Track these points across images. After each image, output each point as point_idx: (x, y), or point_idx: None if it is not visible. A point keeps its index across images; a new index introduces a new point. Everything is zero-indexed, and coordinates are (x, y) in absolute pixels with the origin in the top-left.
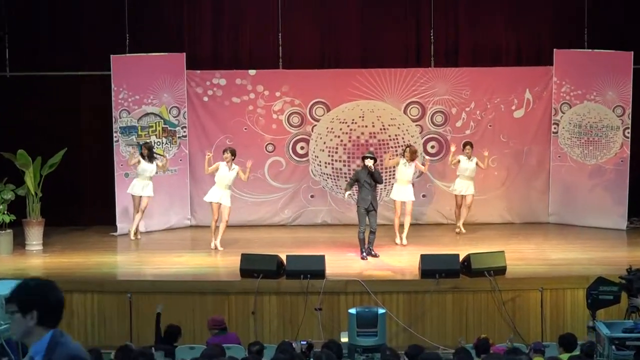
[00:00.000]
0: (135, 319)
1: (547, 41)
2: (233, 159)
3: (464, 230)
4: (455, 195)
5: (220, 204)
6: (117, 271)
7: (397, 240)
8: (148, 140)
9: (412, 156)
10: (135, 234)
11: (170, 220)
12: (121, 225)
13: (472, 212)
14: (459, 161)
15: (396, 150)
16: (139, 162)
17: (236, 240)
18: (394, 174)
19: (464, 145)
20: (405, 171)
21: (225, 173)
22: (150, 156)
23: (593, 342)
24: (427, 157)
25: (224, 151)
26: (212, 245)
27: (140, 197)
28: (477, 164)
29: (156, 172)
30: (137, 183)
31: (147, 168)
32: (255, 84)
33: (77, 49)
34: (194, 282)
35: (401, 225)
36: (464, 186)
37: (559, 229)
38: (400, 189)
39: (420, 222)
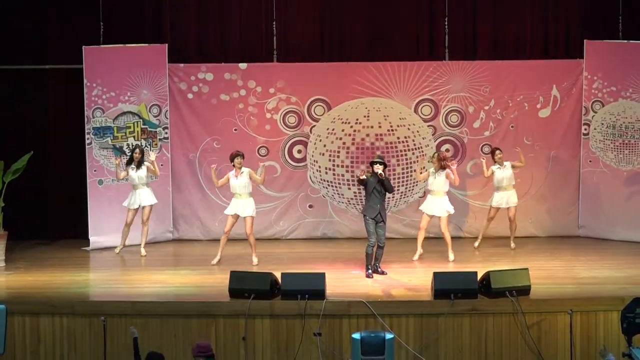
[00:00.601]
0: (110, 345)
1: (577, 31)
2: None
3: (513, 245)
4: (490, 208)
5: (239, 216)
6: (89, 291)
7: (415, 257)
8: (138, 143)
9: (440, 164)
10: (132, 247)
11: (149, 233)
12: (94, 238)
13: (493, 224)
14: (492, 172)
15: (418, 155)
16: (127, 173)
17: (224, 255)
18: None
19: (492, 152)
20: (435, 182)
21: (234, 182)
22: (140, 161)
23: None
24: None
25: (235, 157)
26: (215, 261)
27: (136, 210)
28: (513, 167)
29: (152, 178)
30: (133, 194)
31: (138, 175)
32: (246, 79)
33: (44, 39)
34: (177, 303)
35: (425, 239)
36: (504, 198)
37: (590, 243)
38: (434, 201)
39: (434, 235)
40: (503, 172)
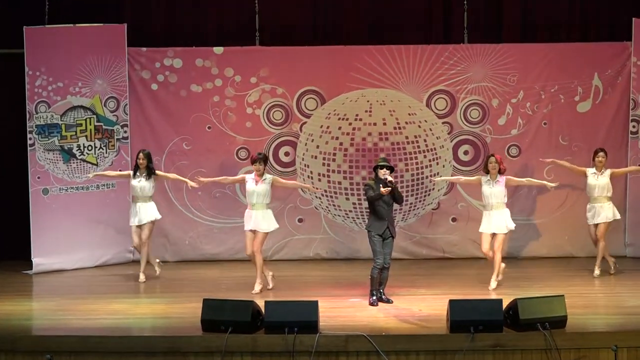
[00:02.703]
0: None
1: (623, 8)
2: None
3: (597, 272)
4: (589, 226)
5: (256, 230)
6: (32, 323)
7: (492, 286)
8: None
9: (498, 168)
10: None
11: (105, 254)
12: (38, 260)
13: (520, 242)
14: (585, 175)
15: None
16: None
17: (196, 280)
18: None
19: (595, 153)
20: (492, 192)
21: (252, 187)
22: (149, 168)
23: None
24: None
25: (255, 161)
26: (257, 289)
27: (140, 226)
28: (610, 177)
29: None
30: (134, 208)
31: (141, 186)
32: (222, 66)
33: None
34: (139, 338)
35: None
36: (594, 212)
37: (639, 264)
38: (492, 216)
39: (450, 255)
40: (597, 180)
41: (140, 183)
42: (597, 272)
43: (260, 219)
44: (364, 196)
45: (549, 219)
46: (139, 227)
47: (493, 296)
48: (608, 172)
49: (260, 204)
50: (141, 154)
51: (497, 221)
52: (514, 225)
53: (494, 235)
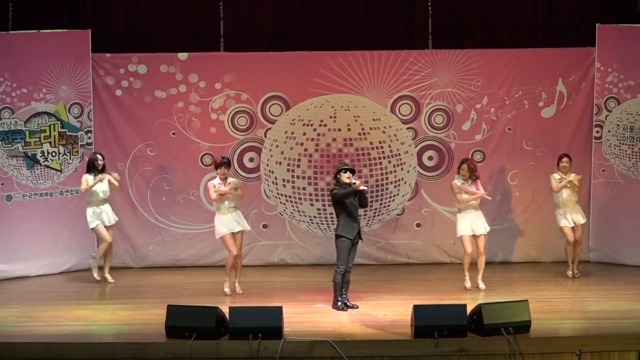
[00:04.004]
0: None
1: (587, 13)
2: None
3: (577, 273)
4: (563, 229)
5: (237, 233)
6: None
7: (467, 284)
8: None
9: (472, 174)
10: (101, 272)
11: (69, 260)
12: (2, 266)
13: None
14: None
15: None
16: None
17: (160, 286)
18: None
19: (560, 158)
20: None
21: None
22: (102, 171)
23: None
24: (575, 176)
25: (220, 166)
26: (228, 291)
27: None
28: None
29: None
30: (92, 212)
31: (103, 189)
32: (187, 72)
33: None
34: (103, 344)
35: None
36: (572, 214)
37: (602, 269)
38: (469, 218)
39: (414, 260)
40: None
41: (103, 185)
42: (577, 273)
43: (240, 220)
44: (328, 202)
45: (513, 223)
46: (106, 227)
47: (481, 299)
48: (573, 175)
49: (234, 206)
50: (100, 156)
51: (476, 223)
52: (488, 227)
53: (474, 236)
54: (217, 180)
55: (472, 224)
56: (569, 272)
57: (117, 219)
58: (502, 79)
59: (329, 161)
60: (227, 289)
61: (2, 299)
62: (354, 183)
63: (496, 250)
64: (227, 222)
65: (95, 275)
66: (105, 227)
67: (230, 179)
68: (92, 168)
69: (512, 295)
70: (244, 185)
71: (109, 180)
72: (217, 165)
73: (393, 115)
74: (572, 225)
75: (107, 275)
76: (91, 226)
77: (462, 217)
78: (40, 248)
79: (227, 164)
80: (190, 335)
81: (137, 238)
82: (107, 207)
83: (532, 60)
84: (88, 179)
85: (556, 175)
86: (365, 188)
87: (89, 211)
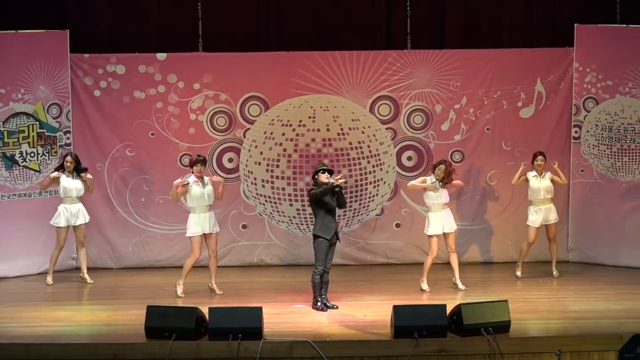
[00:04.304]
0: None
1: (565, 13)
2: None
3: (556, 274)
4: (529, 228)
5: (212, 233)
6: None
7: (424, 286)
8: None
9: (447, 177)
10: (83, 275)
11: (48, 261)
12: None
13: (461, 247)
14: (526, 180)
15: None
16: (57, 180)
17: (140, 287)
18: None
19: (534, 156)
20: (440, 194)
21: (200, 191)
22: (77, 170)
23: None
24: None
25: (195, 163)
26: (181, 293)
27: (69, 227)
28: (552, 180)
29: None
30: (64, 210)
31: (76, 186)
32: (165, 72)
33: None
34: (82, 345)
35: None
36: (542, 214)
37: (581, 269)
38: (438, 217)
39: (394, 261)
40: (540, 182)
41: (75, 184)
42: (556, 272)
43: (214, 221)
44: (307, 202)
45: (493, 223)
46: (67, 229)
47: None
48: (548, 175)
49: (209, 205)
50: (69, 157)
51: (445, 221)
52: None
53: (444, 235)
54: (192, 179)
55: (442, 222)
56: (518, 272)
57: (88, 218)
58: (480, 79)
59: (308, 161)
60: (179, 291)
61: None
62: (336, 186)
63: (475, 251)
64: (201, 222)
65: (49, 279)
66: (77, 226)
67: (206, 178)
68: (60, 167)
69: (491, 295)
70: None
71: (83, 179)
72: (193, 163)
73: (372, 116)
74: (540, 225)
75: (86, 276)
76: (52, 222)
77: (434, 215)
78: (19, 248)
79: (202, 161)
80: (170, 336)
81: (116, 239)
82: (79, 206)
83: (510, 60)
84: (61, 177)
85: (531, 173)
86: (344, 181)
87: (60, 208)
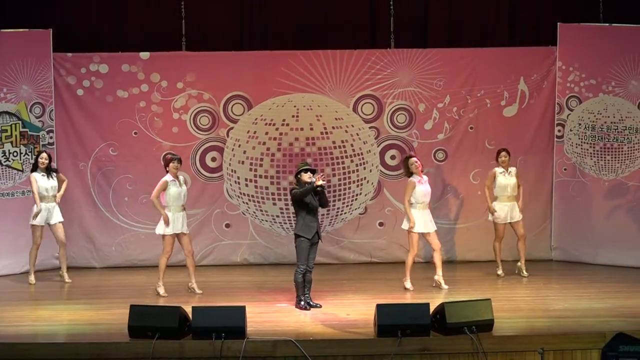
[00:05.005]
0: None
1: (548, 12)
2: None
3: (525, 273)
4: (496, 225)
5: (183, 234)
6: None
7: (408, 285)
8: (43, 148)
9: (416, 168)
10: (62, 275)
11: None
12: None
13: (445, 246)
14: (493, 176)
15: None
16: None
17: (123, 286)
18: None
19: (498, 153)
20: (420, 190)
21: (177, 190)
22: (49, 169)
23: None
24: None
25: (170, 161)
26: (163, 292)
27: (43, 227)
28: (517, 176)
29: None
30: (40, 209)
31: (51, 185)
32: (149, 71)
33: None
34: (66, 345)
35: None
36: (508, 210)
37: (565, 268)
38: (418, 215)
39: (377, 259)
40: (508, 179)
41: (50, 182)
42: (525, 272)
43: (184, 221)
44: (291, 202)
45: (476, 222)
46: (41, 228)
47: (443, 298)
48: (514, 170)
49: (183, 205)
50: (44, 155)
51: (427, 220)
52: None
53: (425, 235)
54: (169, 177)
55: (424, 220)
56: (499, 271)
57: (62, 219)
58: (464, 78)
59: (292, 160)
60: (161, 291)
61: None
62: (317, 185)
63: (459, 249)
64: (174, 221)
65: (31, 278)
66: (54, 225)
67: (181, 178)
68: (35, 167)
69: (474, 294)
70: (207, 185)
71: (58, 179)
72: (168, 162)
73: (355, 115)
74: (508, 221)
75: (65, 275)
76: (31, 222)
77: (416, 213)
78: (1, 248)
79: (179, 159)
80: (153, 335)
81: (99, 238)
82: (54, 205)
83: (494, 59)
84: (36, 177)
85: (499, 169)
86: (324, 182)
87: (34, 207)
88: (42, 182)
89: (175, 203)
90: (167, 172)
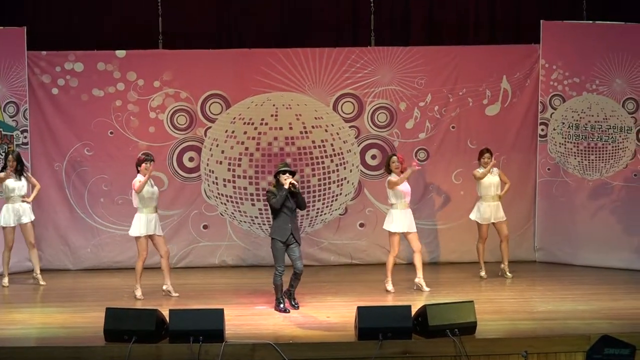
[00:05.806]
0: None
1: (531, 10)
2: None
3: (509, 275)
4: (479, 225)
5: (157, 235)
6: None
7: (389, 287)
8: (14, 149)
9: (399, 166)
10: (36, 277)
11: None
12: None
13: (428, 247)
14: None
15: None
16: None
17: (98, 289)
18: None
19: (481, 153)
20: (400, 189)
21: (150, 190)
22: (19, 169)
23: None
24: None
25: (143, 162)
26: (140, 295)
27: (14, 228)
28: (500, 176)
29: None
30: (8, 209)
31: (19, 185)
32: (125, 70)
33: None
34: (40, 348)
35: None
36: (492, 210)
37: (548, 269)
38: (400, 215)
39: (358, 261)
40: (492, 178)
41: (18, 183)
42: (509, 273)
43: (157, 223)
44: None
45: (458, 223)
46: (14, 228)
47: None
48: (497, 171)
49: (155, 207)
50: (11, 157)
51: (409, 220)
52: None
53: (406, 235)
54: (141, 178)
55: (406, 221)
56: (482, 273)
57: (33, 217)
58: (445, 77)
59: (271, 160)
60: (138, 293)
61: None
62: (291, 183)
63: (441, 250)
64: (147, 223)
65: (5, 281)
66: (24, 225)
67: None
68: (4, 167)
69: (457, 296)
70: (184, 186)
71: (27, 179)
72: (141, 162)
73: (335, 114)
74: (492, 221)
75: (39, 276)
76: (1, 224)
77: (397, 213)
78: None
79: (152, 159)
80: (130, 339)
81: (74, 240)
82: (24, 205)
83: (476, 57)
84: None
85: (480, 170)
86: (295, 183)
87: (4, 208)
88: (9, 181)
89: (148, 204)
90: (138, 172)
